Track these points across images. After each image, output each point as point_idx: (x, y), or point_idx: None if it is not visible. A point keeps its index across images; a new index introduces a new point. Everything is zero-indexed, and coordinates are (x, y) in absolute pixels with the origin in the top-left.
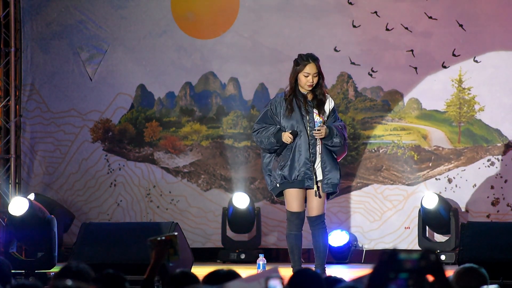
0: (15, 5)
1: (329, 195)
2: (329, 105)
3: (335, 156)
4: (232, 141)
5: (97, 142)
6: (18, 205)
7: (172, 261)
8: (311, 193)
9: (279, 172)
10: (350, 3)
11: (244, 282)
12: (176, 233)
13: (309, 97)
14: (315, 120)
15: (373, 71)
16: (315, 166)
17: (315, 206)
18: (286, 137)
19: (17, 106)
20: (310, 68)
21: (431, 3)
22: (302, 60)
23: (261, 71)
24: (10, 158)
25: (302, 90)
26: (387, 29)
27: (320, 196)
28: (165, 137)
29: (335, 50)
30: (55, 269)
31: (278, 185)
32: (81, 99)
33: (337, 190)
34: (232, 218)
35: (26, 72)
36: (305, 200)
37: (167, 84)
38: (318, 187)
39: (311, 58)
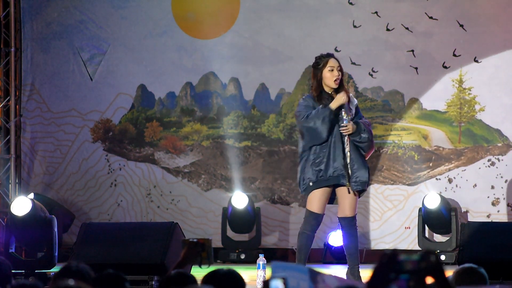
0: (15, 5)
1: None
2: (353, 102)
3: (363, 154)
4: (232, 141)
5: (98, 142)
6: (21, 205)
7: (203, 264)
8: (343, 192)
9: (315, 169)
10: (351, 3)
11: (336, 280)
12: (210, 238)
13: (334, 96)
14: (344, 117)
15: (373, 71)
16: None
17: (347, 206)
18: (341, 96)
19: (17, 106)
20: (333, 62)
21: (432, 3)
22: (322, 57)
23: (261, 71)
24: (10, 158)
25: (327, 89)
26: (387, 29)
27: (349, 192)
28: (166, 137)
29: (336, 50)
30: (55, 269)
31: (311, 183)
32: (81, 99)
33: (366, 188)
34: (231, 218)
35: (26, 72)
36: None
37: (168, 84)
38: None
39: (329, 54)
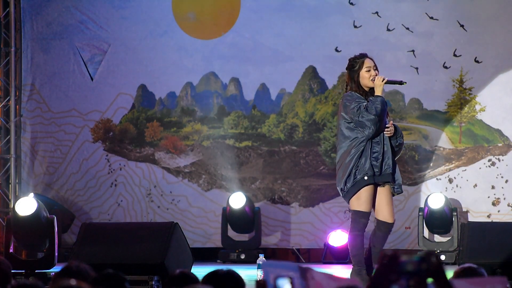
0: (15, 5)
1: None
2: (388, 104)
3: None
4: (233, 141)
5: (98, 142)
6: (26, 205)
7: None
8: (383, 194)
9: (373, 163)
10: (351, 4)
11: (325, 277)
12: None
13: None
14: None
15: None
16: None
17: (390, 211)
18: (378, 79)
19: (17, 106)
20: (369, 62)
21: (432, 3)
22: (356, 59)
23: (262, 71)
24: (10, 158)
25: (366, 89)
26: (388, 30)
27: (393, 194)
28: (166, 137)
29: (336, 50)
30: (55, 269)
31: (366, 177)
32: (81, 99)
33: (402, 191)
34: (229, 218)
35: (27, 72)
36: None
37: (168, 84)
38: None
39: (363, 54)
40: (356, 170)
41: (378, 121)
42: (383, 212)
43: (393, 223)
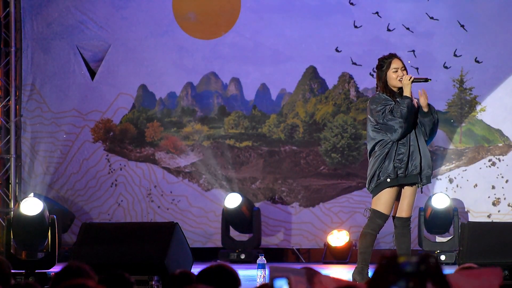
0: (16, 5)
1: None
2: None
3: (427, 139)
4: (233, 141)
5: (98, 142)
6: (31, 206)
7: None
8: (407, 192)
9: (397, 165)
10: (352, 4)
11: (333, 281)
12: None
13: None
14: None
15: (374, 71)
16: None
17: (406, 207)
18: (406, 78)
19: (17, 106)
20: (396, 62)
21: (433, 3)
22: (385, 59)
23: (262, 71)
24: (10, 158)
25: (394, 89)
26: (388, 30)
27: (419, 192)
28: (166, 137)
29: (337, 50)
30: (55, 269)
31: (389, 180)
32: (82, 99)
33: (430, 182)
34: (227, 218)
35: (27, 72)
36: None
37: (169, 84)
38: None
39: (391, 54)
40: (380, 172)
41: (403, 123)
42: (399, 207)
43: (406, 218)
